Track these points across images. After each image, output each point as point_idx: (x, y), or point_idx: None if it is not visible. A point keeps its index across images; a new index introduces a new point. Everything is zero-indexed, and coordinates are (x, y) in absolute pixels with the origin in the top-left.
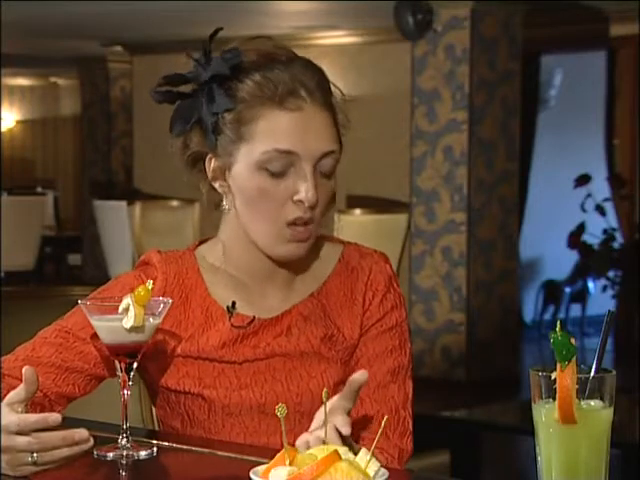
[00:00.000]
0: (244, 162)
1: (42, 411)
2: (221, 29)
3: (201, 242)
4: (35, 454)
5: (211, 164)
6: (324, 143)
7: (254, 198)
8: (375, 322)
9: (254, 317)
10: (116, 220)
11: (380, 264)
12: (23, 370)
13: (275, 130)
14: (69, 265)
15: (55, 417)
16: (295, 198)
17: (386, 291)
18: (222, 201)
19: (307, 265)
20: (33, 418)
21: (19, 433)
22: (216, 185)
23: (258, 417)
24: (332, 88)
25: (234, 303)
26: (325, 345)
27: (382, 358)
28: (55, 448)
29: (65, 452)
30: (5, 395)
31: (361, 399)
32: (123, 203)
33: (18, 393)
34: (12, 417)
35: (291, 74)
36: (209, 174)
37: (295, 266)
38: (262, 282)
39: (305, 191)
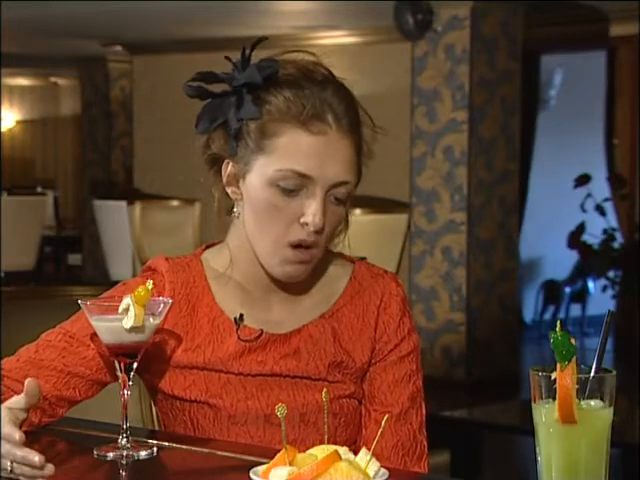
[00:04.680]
0: (259, 174)
1: (42, 414)
2: (265, 38)
3: (208, 246)
4: (14, 463)
5: (227, 169)
6: (340, 172)
7: (262, 211)
8: (394, 347)
9: (262, 331)
10: (116, 220)
11: (392, 286)
12: (26, 382)
13: (295, 150)
14: (69, 265)
15: (20, 435)
16: (302, 220)
17: (402, 315)
18: (233, 207)
19: (315, 282)
20: (6, 430)
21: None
22: (229, 191)
23: (263, 427)
24: (361, 115)
25: (242, 315)
26: (332, 372)
27: (403, 384)
28: (22, 464)
29: (28, 471)
30: (5, 397)
31: (382, 430)
32: (123, 203)
33: (18, 401)
34: (7, 429)
35: (321, 97)
36: (224, 178)
37: (301, 281)
38: (267, 293)
39: (312, 215)
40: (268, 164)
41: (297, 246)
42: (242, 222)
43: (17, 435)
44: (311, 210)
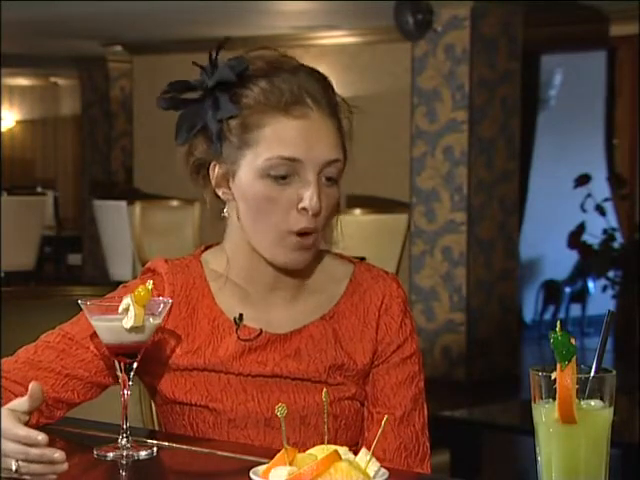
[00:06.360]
0: (248, 169)
1: (40, 415)
2: (229, 38)
3: (207, 247)
4: (19, 462)
5: (215, 171)
6: (328, 151)
7: (258, 205)
8: (396, 349)
9: (261, 330)
10: (116, 220)
11: (393, 287)
12: (30, 386)
13: (280, 137)
14: (69, 265)
15: (43, 437)
16: (300, 206)
17: (403, 316)
18: (224, 209)
19: (315, 283)
20: (23, 432)
21: (10, 439)
22: (219, 192)
23: (264, 431)
24: (338, 99)
25: (241, 315)
26: (332, 375)
27: (406, 386)
28: (35, 462)
29: (39, 469)
30: (5, 400)
31: (385, 432)
32: (123, 203)
33: (22, 404)
34: (8, 424)
35: (297, 82)
36: (213, 181)
37: (299, 277)
38: (266, 292)
39: (309, 198)
40: (256, 157)
41: (299, 233)
42: (236, 223)
43: (40, 436)
44: (307, 195)
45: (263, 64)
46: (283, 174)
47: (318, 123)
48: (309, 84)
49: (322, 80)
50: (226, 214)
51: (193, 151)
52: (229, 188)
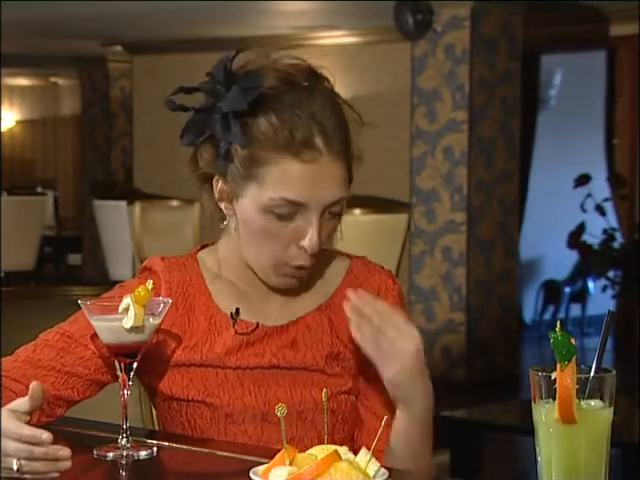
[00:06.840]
0: (251, 200)
1: (41, 414)
2: (243, 49)
3: (203, 247)
4: (21, 461)
5: (218, 185)
6: (334, 193)
7: (258, 235)
8: None
9: (258, 324)
10: (116, 220)
11: (389, 282)
12: (31, 386)
13: (286, 179)
14: (69, 265)
15: (47, 435)
16: (300, 244)
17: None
18: (225, 220)
19: (312, 277)
20: (28, 432)
21: (12, 439)
22: (221, 206)
23: (261, 425)
24: (349, 120)
25: (238, 310)
26: (329, 364)
27: None
28: (38, 460)
29: (42, 467)
30: (5, 399)
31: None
32: (123, 203)
33: (22, 404)
34: (10, 424)
35: (309, 114)
36: (215, 194)
37: None
38: (262, 292)
39: (309, 239)
40: (261, 192)
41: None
42: (235, 235)
43: (44, 435)
44: (308, 235)
45: (276, 82)
46: (286, 214)
47: (327, 167)
48: (322, 115)
49: (336, 108)
50: (228, 224)
51: (199, 158)
52: (231, 204)
